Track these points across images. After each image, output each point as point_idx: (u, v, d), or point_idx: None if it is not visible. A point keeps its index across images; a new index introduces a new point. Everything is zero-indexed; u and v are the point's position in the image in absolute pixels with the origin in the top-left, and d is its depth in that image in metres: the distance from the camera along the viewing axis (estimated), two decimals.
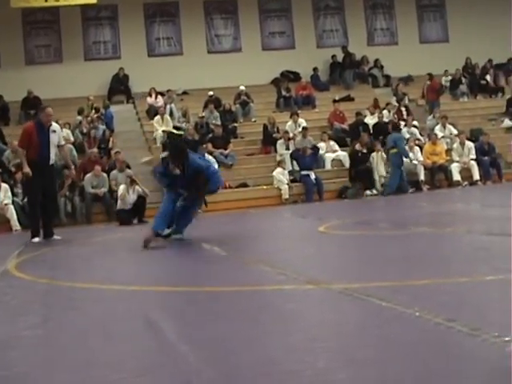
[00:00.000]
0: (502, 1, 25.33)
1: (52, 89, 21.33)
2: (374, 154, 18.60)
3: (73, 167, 12.98)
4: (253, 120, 21.65)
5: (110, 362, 3.00)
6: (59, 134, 11.45)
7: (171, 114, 20.73)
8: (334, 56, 24.68)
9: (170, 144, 9.74)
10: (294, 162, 18.75)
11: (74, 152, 17.95)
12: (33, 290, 5.63)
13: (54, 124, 11.21)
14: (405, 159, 17.96)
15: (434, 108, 21.80)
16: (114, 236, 11.82)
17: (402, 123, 20.48)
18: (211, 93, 21.68)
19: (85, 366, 3.00)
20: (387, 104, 21.71)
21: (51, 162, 11.01)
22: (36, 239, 10.82)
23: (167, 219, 8.64)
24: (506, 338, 2.70)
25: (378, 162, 18.51)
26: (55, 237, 10.92)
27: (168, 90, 21.74)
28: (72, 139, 18.65)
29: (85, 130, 19.15)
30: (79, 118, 19.75)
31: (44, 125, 10.91)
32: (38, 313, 4.41)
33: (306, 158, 18.41)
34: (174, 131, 19.53)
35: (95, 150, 17.80)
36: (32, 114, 20.64)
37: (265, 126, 20.21)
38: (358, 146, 18.85)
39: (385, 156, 18.66)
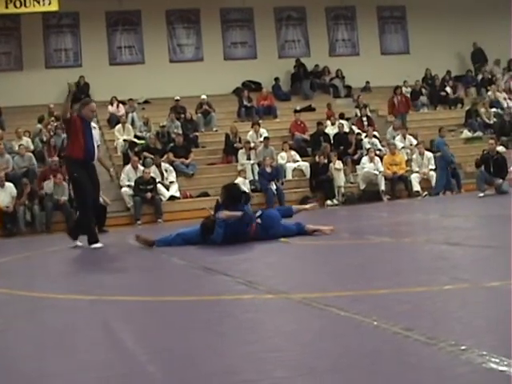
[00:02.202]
0: (461, 13, 25.71)
1: (12, 96, 21.16)
2: (331, 165, 18.64)
3: (112, 169, 11.43)
4: (214, 129, 21.64)
5: (69, 374, 2.97)
6: (97, 131, 10.65)
7: (133, 123, 20.65)
8: (295, 66, 24.80)
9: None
10: (255, 171, 18.74)
11: (34, 160, 17.79)
12: None
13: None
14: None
15: (403, 121, 22.02)
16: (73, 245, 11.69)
17: (363, 134, 20.62)
18: (178, 97, 21.59)
19: (41, 377, 2.97)
20: (340, 115, 21.78)
21: (95, 159, 9.96)
22: (98, 245, 9.69)
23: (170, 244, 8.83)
24: (463, 347, 2.73)
25: (337, 173, 18.55)
26: (97, 245, 9.74)
27: (129, 99, 21.65)
28: (32, 147, 18.49)
29: (45, 139, 18.92)
30: (39, 126, 19.53)
31: (86, 119, 9.89)
32: None
33: (271, 172, 18.37)
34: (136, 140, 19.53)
35: (56, 158, 17.60)
36: None
37: (226, 136, 20.20)
38: (319, 158, 18.86)
39: (341, 166, 18.71)
